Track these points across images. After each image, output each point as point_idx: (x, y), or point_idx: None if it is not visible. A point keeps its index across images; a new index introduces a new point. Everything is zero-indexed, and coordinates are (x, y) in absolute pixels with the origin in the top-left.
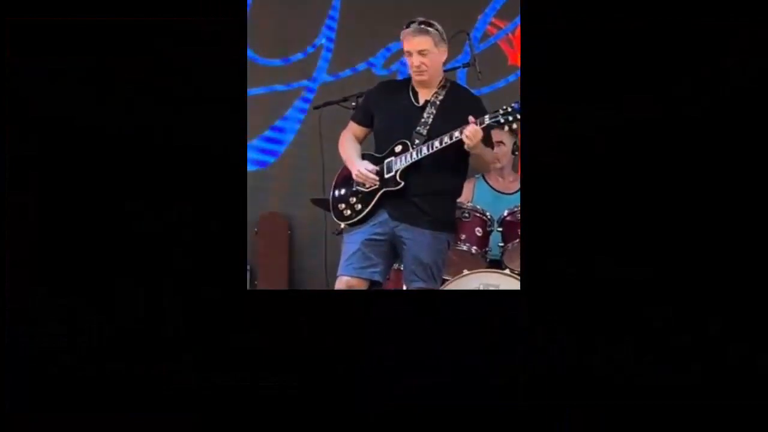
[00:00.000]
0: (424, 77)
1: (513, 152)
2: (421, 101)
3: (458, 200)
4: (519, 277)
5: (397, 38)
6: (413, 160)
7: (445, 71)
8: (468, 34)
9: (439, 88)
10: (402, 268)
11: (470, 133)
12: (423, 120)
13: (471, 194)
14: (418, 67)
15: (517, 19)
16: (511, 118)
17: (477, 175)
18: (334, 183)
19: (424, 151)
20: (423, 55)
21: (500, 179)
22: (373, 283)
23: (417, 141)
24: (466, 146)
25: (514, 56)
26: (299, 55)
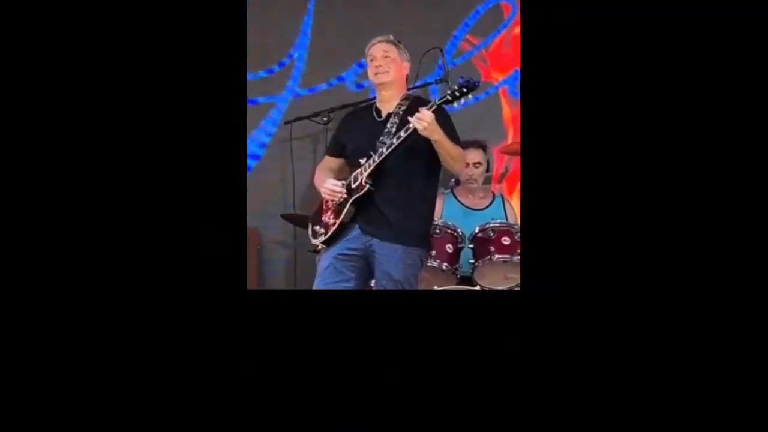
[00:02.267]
0: (385, 79)
1: (486, 170)
2: (383, 115)
3: None
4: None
5: None
6: (375, 164)
7: (418, 87)
8: (442, 50)
9: (402, 100)
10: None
11: (421, 115)
12: (386, 130)
13: (440, 210)
14: (378, 67)
15: (491, 36)
16: (458, 94)
17: (446, 191)
18: (311, 216)
19: (384, 151)
20: (385, 57)
21: (470, 195)
22: None
23: (380, 149)
24: (421, 131)
25: (487, 73)
26: (272, 70)
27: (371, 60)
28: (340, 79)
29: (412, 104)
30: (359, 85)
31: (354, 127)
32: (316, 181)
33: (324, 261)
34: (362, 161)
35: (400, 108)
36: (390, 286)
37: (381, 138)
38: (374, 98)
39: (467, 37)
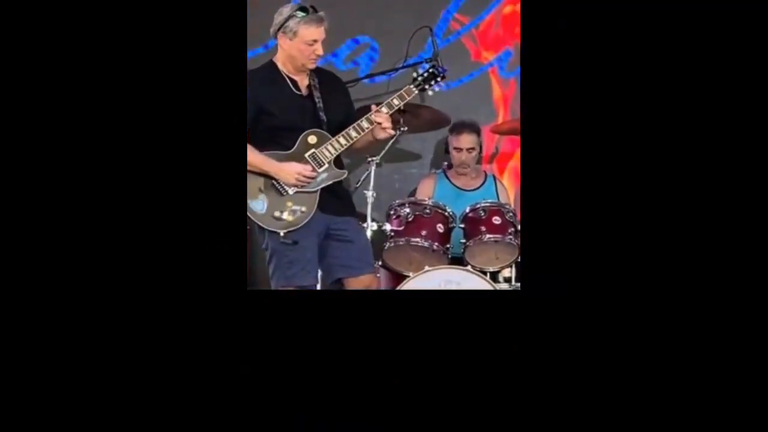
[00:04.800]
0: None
1: (478, 153)
2: (303, 89)
3: (419, 197)
4: (481, 274)
5: (361, 32)
6: (344, 147)
7: (407, 66)
8: (431, 30)
9: (311, 72)
10: (337, 263)
11: (385, 123)
12: (318, 106)
13: (432, 191)
14: (319, 56)
15: (482, 15)
16: (415, 89)
17: (438, 172)
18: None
19: (353, 134)
20: (322, 41)
21: (462, 177)
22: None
23: (325, 128)
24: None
25: (477, 52)
26: (261, 49)
27: (312, 43)
28: (331, 57)
29: (318, 76)
30: (350, 64)
31: (274, 97)
32: (262, 163)
33: (304, 251)
34: (311, 140)
35: (313, 81)
36: (370, 258)
37: (320, 116)
38: (271, 63)
39: (457, 16)
